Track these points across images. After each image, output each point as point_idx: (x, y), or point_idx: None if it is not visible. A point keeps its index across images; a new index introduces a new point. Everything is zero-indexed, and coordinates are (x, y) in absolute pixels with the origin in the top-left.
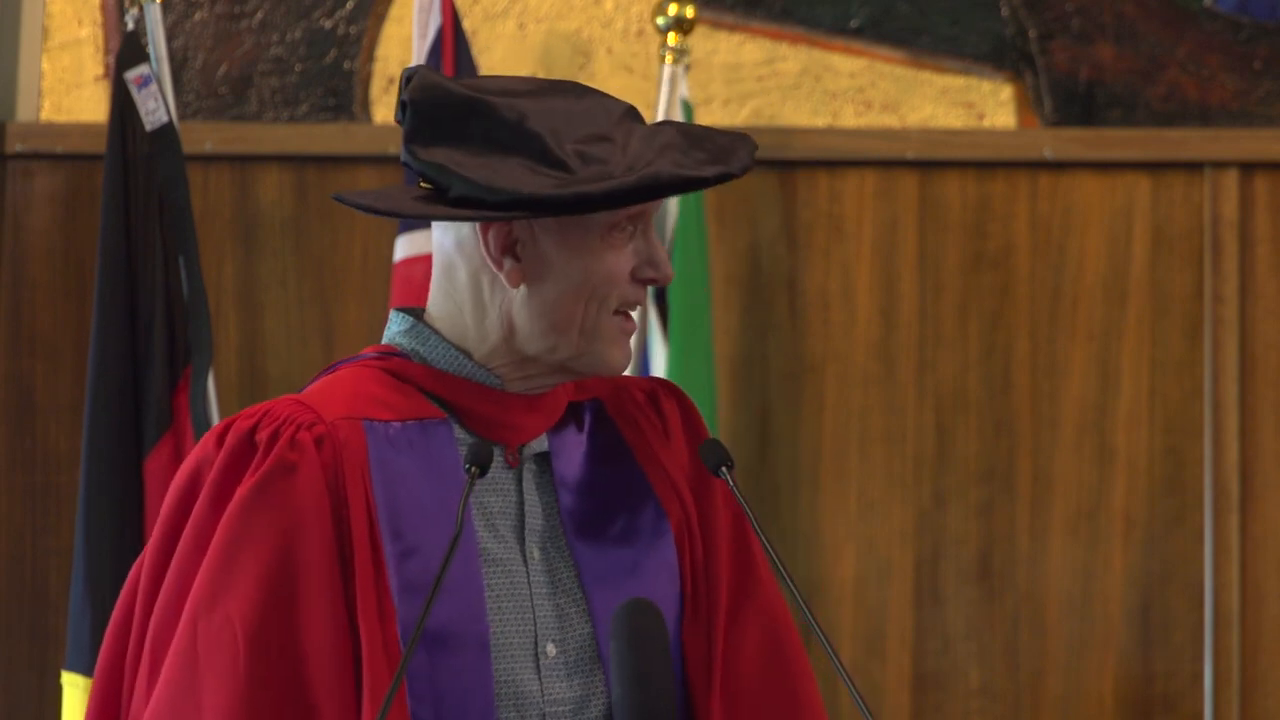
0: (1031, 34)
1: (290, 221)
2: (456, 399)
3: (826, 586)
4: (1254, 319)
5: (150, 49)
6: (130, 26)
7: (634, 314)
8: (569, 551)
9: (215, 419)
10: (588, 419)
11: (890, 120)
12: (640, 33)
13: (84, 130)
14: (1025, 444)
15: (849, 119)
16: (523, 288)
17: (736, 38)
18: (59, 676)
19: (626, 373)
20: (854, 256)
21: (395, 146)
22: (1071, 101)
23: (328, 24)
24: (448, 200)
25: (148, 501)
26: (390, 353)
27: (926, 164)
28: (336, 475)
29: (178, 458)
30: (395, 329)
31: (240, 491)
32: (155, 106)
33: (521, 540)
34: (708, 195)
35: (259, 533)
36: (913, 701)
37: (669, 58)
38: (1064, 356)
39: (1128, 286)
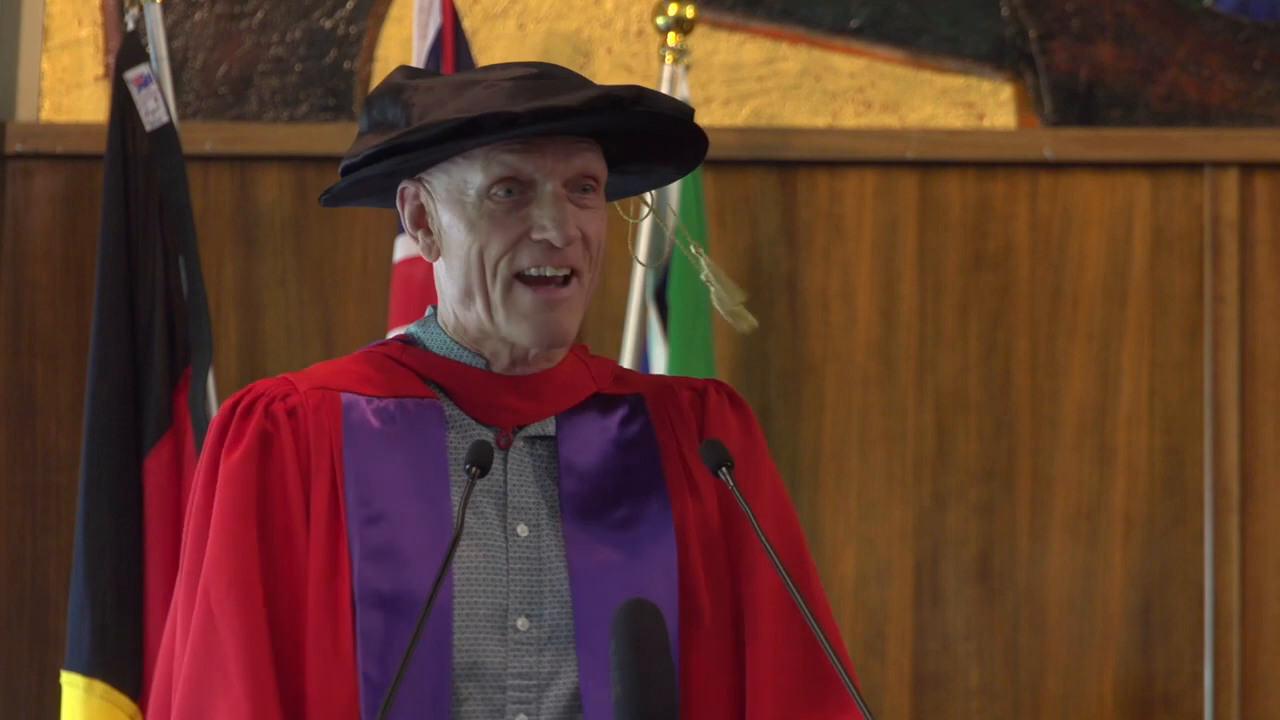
0: (1031, 34)
1: (290, 221)
2: (446, 381)
3: (826, 586)
4: (1254, 319)
5: (150, 49)
6: (130, 26)
7: (570, 283)
8: (563, 533)
9: None
10: (622, 411)
11: (890, 120)
12: (640, 33)
13: (84, 130)
14: (1025, 444)
15: (849, 119)
16: (440, 261)
17: (736, 38)
18: (59, 676)
19: (659, 371)
20: (854, 256)
21: None
22: (1071, 101)
23: (328, 24)
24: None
25: (147, 501)
26: (400, 341)
27: (926, 164)
28: (306, 442)
29: (177, 458)
30: (417, 321)
31: (224, 465)
32: (155, 106)
33: (504, 517)
34: (707, 195)
35: (243, 503)
36: (913, 701)
37: (669, 58)
38: (1064, 356)
39: (1128, 286)
